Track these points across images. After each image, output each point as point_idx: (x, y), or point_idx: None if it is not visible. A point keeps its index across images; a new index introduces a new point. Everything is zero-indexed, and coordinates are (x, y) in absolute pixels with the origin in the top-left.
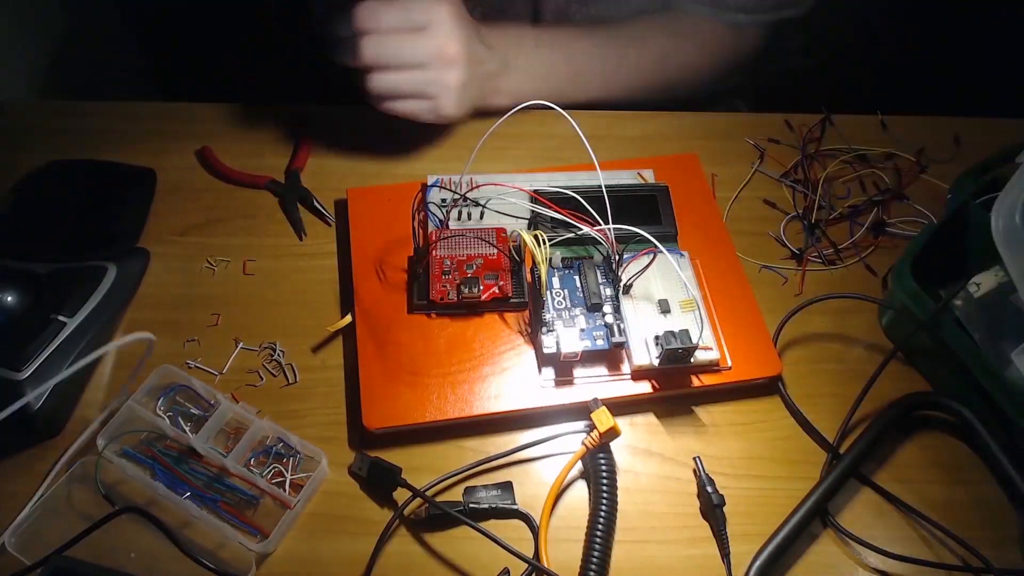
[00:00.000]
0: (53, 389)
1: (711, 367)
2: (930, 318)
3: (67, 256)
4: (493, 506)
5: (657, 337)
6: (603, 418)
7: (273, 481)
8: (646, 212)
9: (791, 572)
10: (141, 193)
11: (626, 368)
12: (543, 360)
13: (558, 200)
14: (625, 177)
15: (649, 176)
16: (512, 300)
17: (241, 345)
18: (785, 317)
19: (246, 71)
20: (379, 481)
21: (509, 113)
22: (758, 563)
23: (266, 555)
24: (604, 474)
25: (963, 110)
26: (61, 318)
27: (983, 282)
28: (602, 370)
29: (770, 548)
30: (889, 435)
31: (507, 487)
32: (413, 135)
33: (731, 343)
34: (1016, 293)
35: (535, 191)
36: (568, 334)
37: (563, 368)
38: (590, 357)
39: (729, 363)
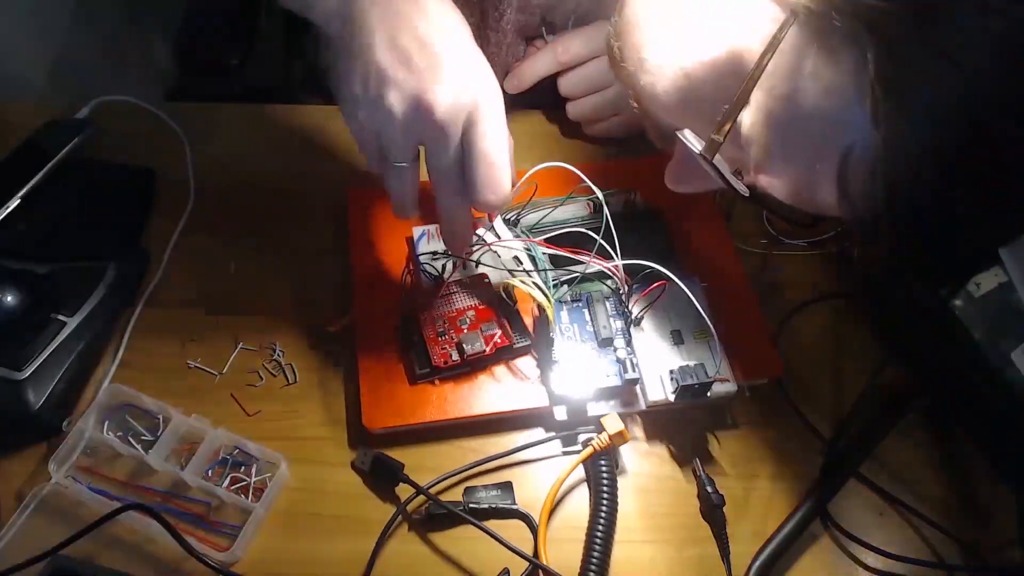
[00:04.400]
0: (53, 388)
1: (728, 400)
2: (930, 318)
3: (67, 256)
4: (493, 506)
5: (672, 371)
6: (613, 422)
7: (233, 488)
8: (642, 237)
9: (791, 572)
10: (141, 193)
11: (641, 403)
12: (554, 399)
13: (559, 237)
14: (613, 201)
15: (638, 198)
16: (517, 346)
17: (241, 345)
18: (785, 317)
19: (246, 70)
20: (382, 476)
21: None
22: (758, 563)
23: (234, 562)
24: (605, 478)
25: None
26: (61, 318)
27: (983, 282)
28: (615, 405)
29: (770, 548)
30: (889, 435)
31: (507, 487)
32: None
33: (731, 345)
34: (1016, 293)
35: (529, 237)
36: (579, 372)
37: (575, 405)
38: (602, 394)
39: (747, 392)
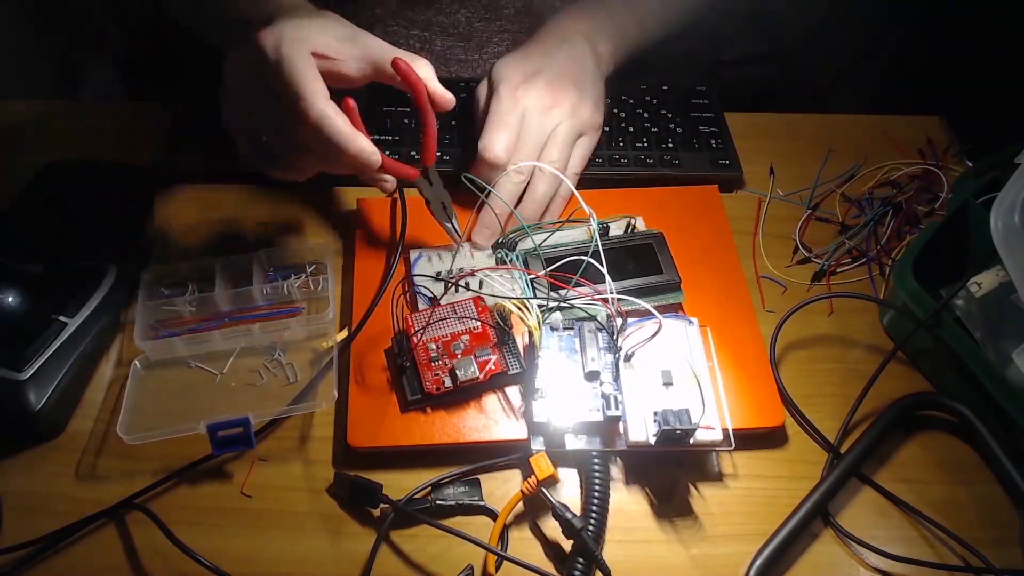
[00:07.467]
0: (54, 389)
1: (712, 448)
2: (931, 317)
3: (68, 257)
4: (460, 503)
5: (656, 413)
6: (542, 464)
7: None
8: (644, 263)
9: (791, 572)
10: (142, 193)
11: (621, 443)
12: (534, 429)
13: (556, 259)
14: (613, 227)
15: (640, 223)
16: (511, 373)
17: (242, 344)
18: (784, 316)
19: None
20: (359, 499)
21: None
22: (758, 563)
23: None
24: (597, 471)
25: (964, 110)
26: (62, 319)
27: (984, 281)
28: (595, 442)
29: (770, 548)
30: (890, 435)
31: (475, 483)
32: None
33: (733, 388)
34: (1016, 293)
35: (512, 264)
36: (561, 403)
37: (554, 437)
38: (583, 428)
39: (732, 444)
